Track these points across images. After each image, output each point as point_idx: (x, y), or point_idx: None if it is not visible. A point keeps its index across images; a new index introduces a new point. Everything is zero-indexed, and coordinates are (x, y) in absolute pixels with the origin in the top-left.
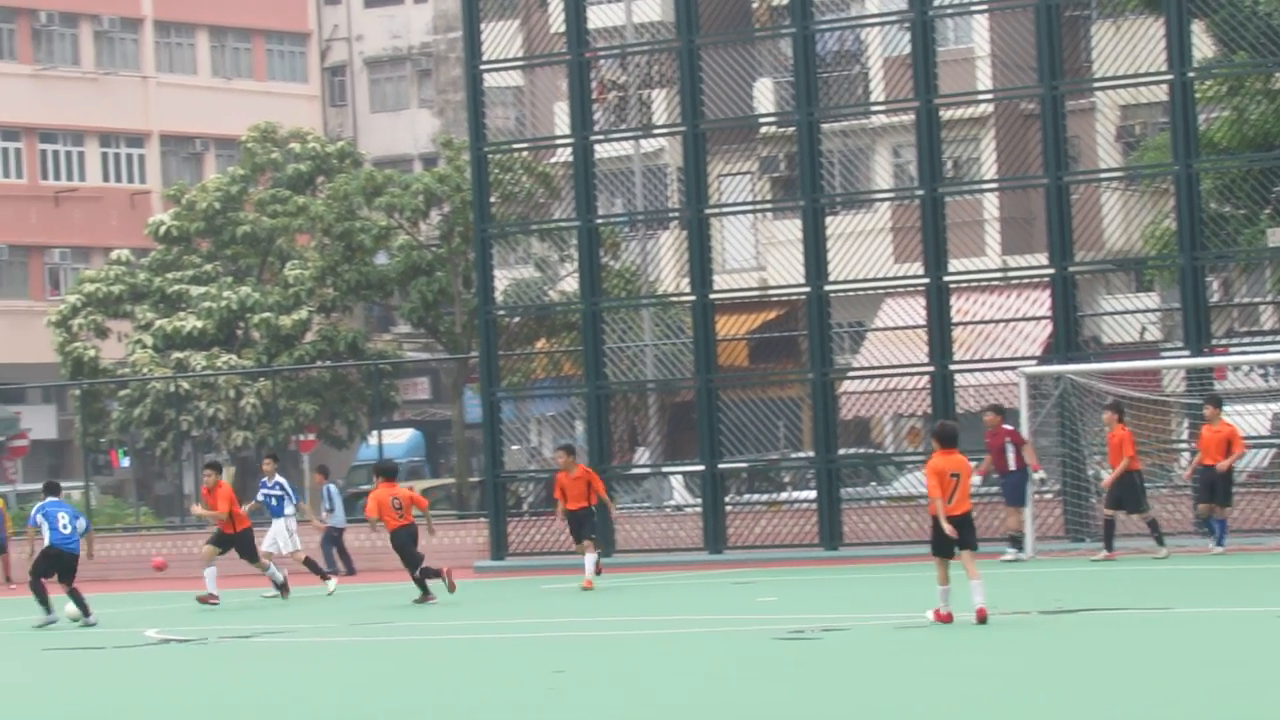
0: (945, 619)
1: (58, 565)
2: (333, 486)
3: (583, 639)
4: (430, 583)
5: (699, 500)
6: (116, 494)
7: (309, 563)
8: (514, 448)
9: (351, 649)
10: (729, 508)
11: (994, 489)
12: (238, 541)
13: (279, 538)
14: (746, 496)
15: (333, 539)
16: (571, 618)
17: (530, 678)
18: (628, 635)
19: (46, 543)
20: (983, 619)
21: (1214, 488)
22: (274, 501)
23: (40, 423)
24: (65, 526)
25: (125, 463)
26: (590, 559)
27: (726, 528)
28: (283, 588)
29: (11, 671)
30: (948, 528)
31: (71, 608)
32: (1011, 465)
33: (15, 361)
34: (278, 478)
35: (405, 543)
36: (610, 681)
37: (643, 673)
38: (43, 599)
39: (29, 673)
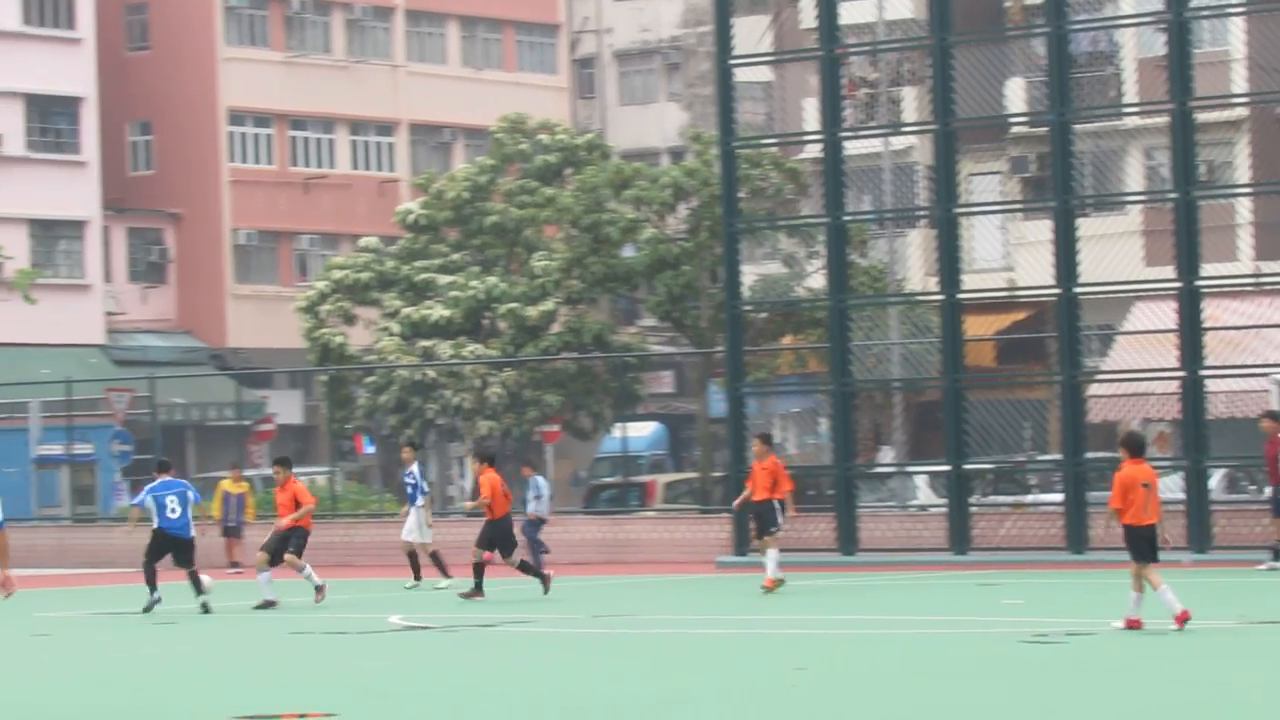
0: (1136, 625)
1: (169, 549)
2: (540, 479)
3: (824, 637)
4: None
5: (944, 500)
6: (360, 480)
7: (435, 557)
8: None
9: (595, 641)
10: (974, 509)
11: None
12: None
13: (412, 527)
14: (991, 498)
15: (534, 529)
16: (813, 615)
17: (772, 674)
18: (870, 635)
19: (155, 525)
20: (1185, 620)
21: None
22: (409, 490)
23: (286, 408)
24: (174, 511)
25: (370, 449)
26: (772, 556)
27: (971, 529)
28: (319, 590)
29: (254, 654)
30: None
31: (203, 587)
32: None
33: (263, 346)
34: (413, 466)
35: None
36: (851, 680)
37: (884, 672)
38: (150, 581)
39: (270, 656)
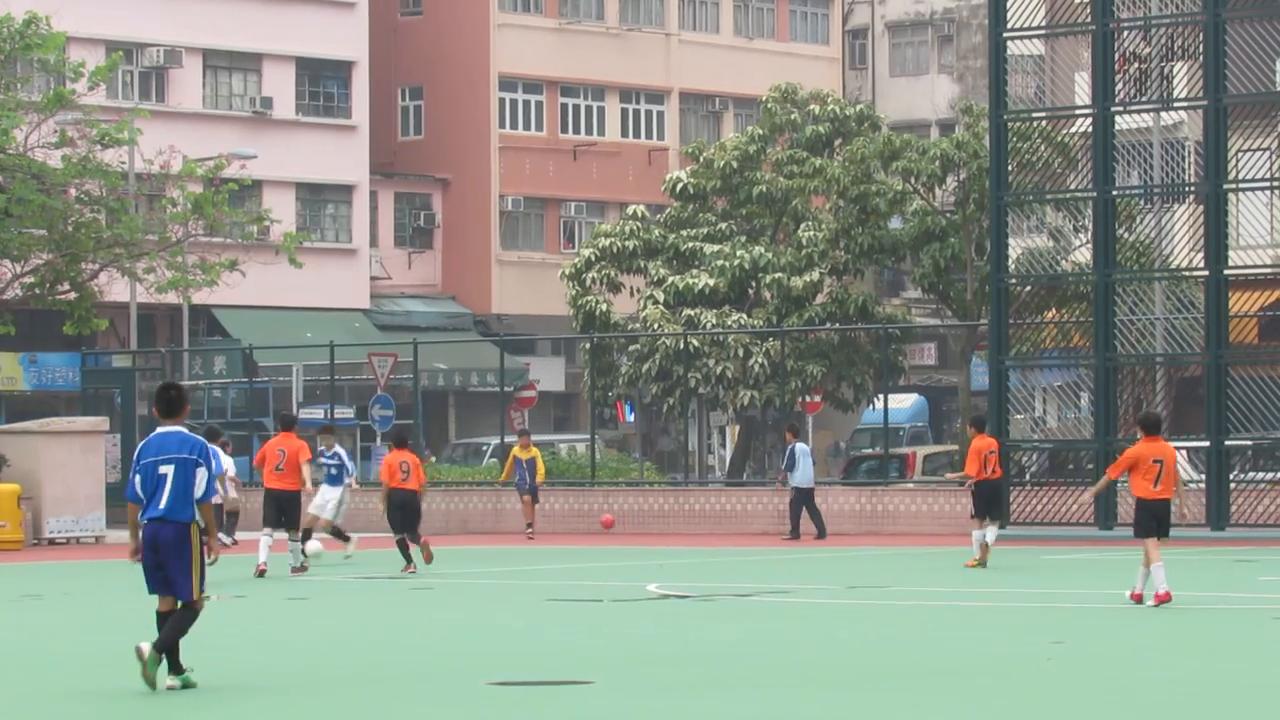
0: (1137, 599)
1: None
2: (800, 445)
3: (1081, 610)
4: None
5: (1202, 476)
6: (620, 448)
7: (335, 531)
8: (1018, 417)
9: (851, 610)
10: (1233, 485)
11: None
12: None
13: (327, 504)
14: (1251, 474)
15: (802, 499)
16: (1072, 589)
17: (1029, 645)
18: (1128, 609)
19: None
20: (1165, 601)
21: None
22: (333, 471)
23: (549, 374)
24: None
25: (631, 417)
26: (990, 533)
27: (1230, 505)
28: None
29: (512, 621)
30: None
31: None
32: None
33: (527, 313)
34: (336, 448)
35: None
36: (1109, 653)
37: (1142, 646)
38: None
39: (526, 620)
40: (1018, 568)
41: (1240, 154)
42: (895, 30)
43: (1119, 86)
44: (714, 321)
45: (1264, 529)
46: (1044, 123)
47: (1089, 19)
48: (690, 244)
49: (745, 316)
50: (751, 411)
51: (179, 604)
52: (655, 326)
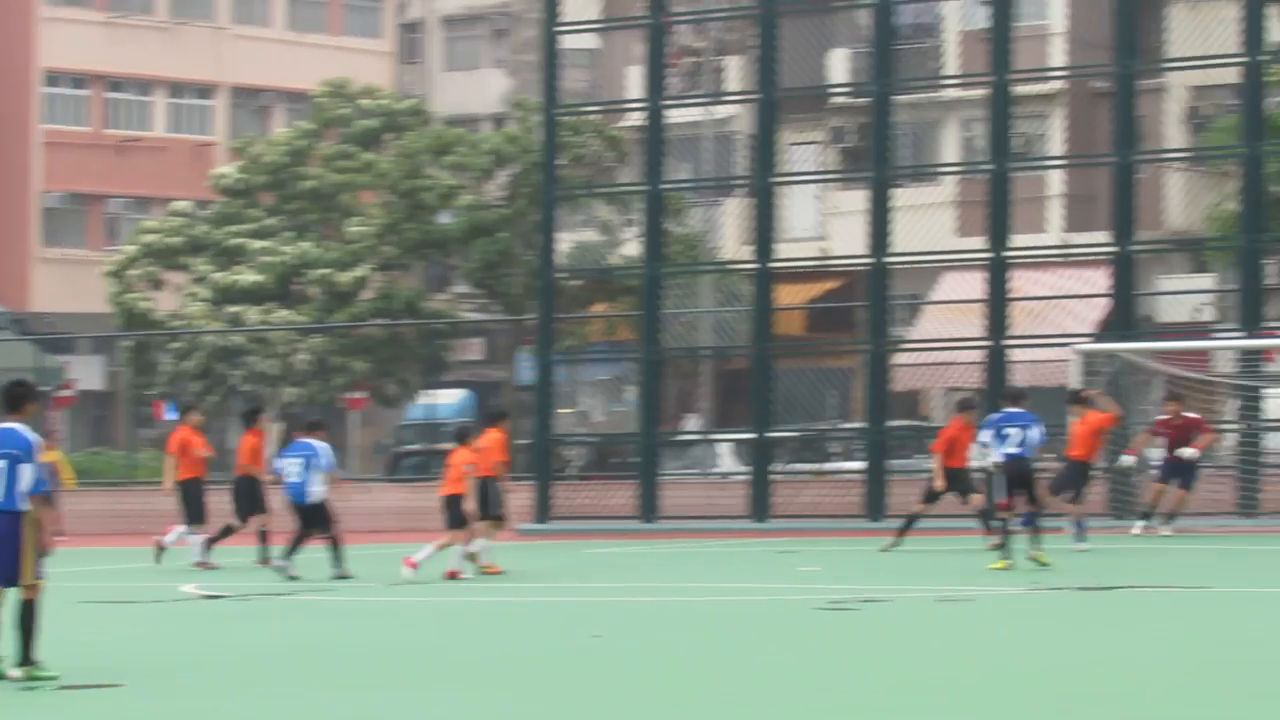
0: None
1: None
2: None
3: (622, 604)
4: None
5: (746, 468)
6: (160, 448)
7: None
8: (564, 411)
9: (395, 609)
10: (775, 476)
11: None
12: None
13: None
14: (793, 465)
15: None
16: (613, 583)
17: (568, 640)
18: (667, 602)
19: None
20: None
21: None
22: None
23: (88, 374)
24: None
25: (171, 415)
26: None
27: (772, 496)
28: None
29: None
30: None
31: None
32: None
33: (69, 311)
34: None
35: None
36: (646, 646)
37: (679, 639)
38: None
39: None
40: (557, 562)
41: (791, 147)
42: (449, 24)
43: (672, 80)
44: (258, 318)
45: (805, 520)
46: (596, 117)
47: (643, 13)
48: (236, 240)
49: (290, 313)
50: (294, 409)
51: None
52: (198, 324)
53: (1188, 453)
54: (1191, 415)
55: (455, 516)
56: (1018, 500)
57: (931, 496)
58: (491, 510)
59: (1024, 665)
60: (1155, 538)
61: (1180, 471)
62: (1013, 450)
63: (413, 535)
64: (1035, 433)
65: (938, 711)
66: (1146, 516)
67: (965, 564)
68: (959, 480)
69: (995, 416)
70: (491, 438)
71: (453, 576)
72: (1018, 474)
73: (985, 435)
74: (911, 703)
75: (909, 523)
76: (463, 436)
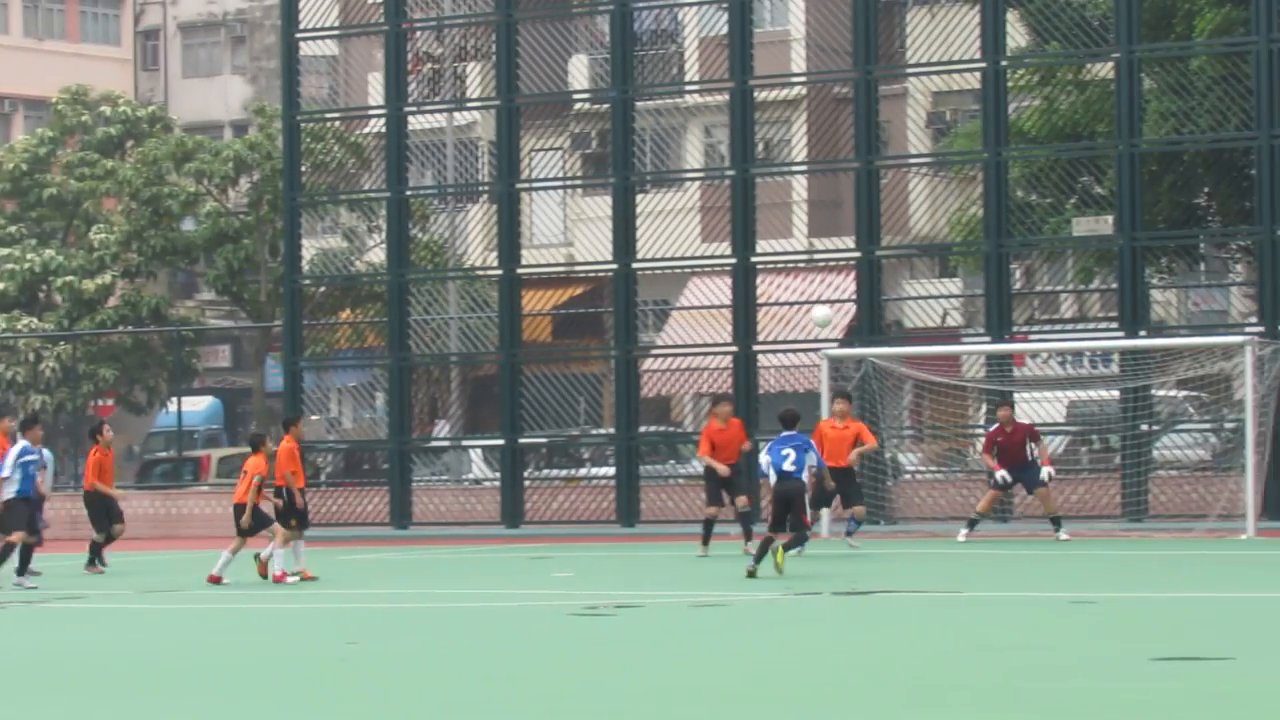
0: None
1: None
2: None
3: (376, 611)
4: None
5: (497, 474)
6: None
7: None
8: (314, 418)
9: (146, 615)
10: (527, 483)
11: None
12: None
13: None
14: (545, 472)
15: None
16: (368, 589)
17: (323, 648)
18: (421, 608)
19: None
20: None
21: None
22: None
23: None
24: None
25: None
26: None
27: (524, 502)
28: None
29: None
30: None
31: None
32: None
33: None
34: None
35: None
36: (400, 652)
37: (433, 646)
38: None
39: None
40: (313, 570)
41: (533, 153)
42: (188, 31)
43: (413, 87)
44: (3, 326)
45: (557, 525)
46: (338, 123)
47: (382, 19)
48: None
49: (36, 320)
50: (44, 416)
51: None
52: None
53: (1046, 474)
54: (1023, 422)
55: (258, 521)
56: (789, 519)
57: (716, 498)
58: (288, 517)
59: (771, 669)
60: (952, 542)
61: (1027, 478)
62: (789, 469)
63: (165, 542)
64: (810, 455)
65: (689, 717)
66: (973, 525)
67: (721, 570)
68: (728, 482)
69: (773, 440)
70: (283, 446)
71: (280, 580)
72: (789, 494)
73: (763, 458)
74: (664, 707)
75: (709, 530)
76: (255, 444)
